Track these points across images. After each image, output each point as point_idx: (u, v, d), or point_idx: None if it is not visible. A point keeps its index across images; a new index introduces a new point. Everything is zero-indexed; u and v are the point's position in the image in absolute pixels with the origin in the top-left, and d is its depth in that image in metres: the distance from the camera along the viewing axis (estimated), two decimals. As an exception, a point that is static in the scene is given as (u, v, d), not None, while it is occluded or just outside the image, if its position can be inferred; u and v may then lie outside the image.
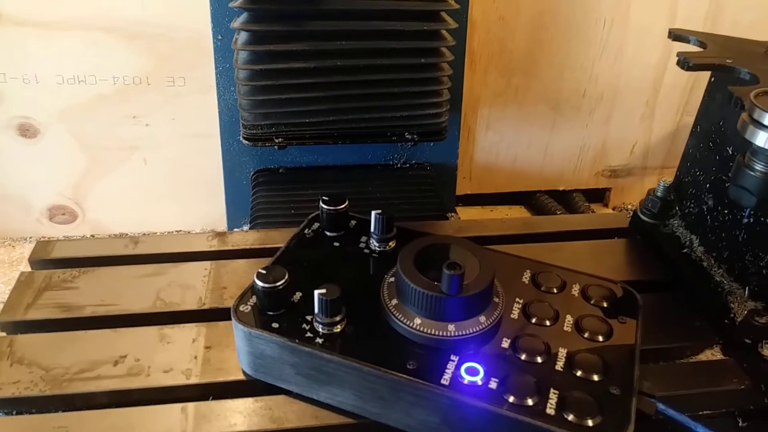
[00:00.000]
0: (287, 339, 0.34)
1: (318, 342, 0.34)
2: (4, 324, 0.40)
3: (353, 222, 0.44)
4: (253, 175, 0.67)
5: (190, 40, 0.61)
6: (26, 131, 0.63)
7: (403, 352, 0.34)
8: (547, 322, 0.36)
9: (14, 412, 0.35)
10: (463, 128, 0.72)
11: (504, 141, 0.75)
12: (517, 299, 0.38)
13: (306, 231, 0.43)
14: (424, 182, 0.69)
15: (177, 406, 0.35)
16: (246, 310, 0.35)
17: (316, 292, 0.34)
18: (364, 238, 0.42)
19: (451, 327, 0.34)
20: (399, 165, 0.70)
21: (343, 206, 0.43)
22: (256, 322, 0.35)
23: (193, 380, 0.37)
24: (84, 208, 0.68)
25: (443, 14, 0.57)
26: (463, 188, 0.78)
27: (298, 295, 0.37)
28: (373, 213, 0.41)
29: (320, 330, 0.34)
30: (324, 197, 0.43)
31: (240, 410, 0.35)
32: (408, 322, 0.34)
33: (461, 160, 0.71)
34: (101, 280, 0.43)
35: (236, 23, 0.53)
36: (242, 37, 0.55)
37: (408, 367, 0.33)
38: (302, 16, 0.54)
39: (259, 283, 0.35)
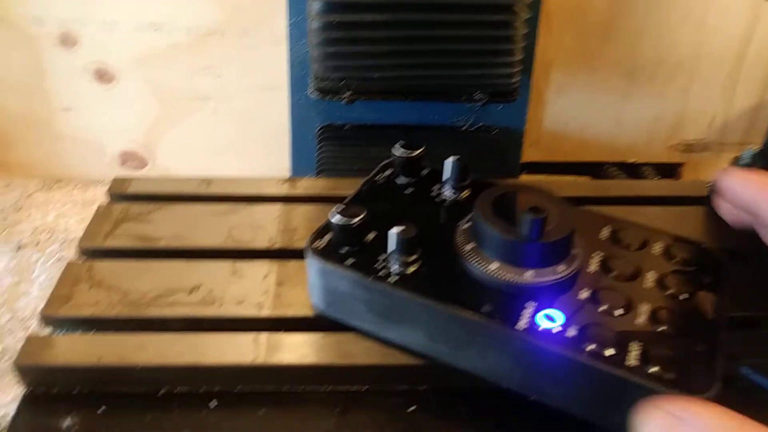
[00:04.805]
0: (362, 275, 0.34)
1: (393, 280, 0.33)
2: (84, 250, 0.41)
3: (425, 170, 0.43)
4: (318, 130, 0.67)
5: (265, -9, 0.61)
6: (102, 76, 0.64)
7: (479, 295, 0.33)
8: (628, 277, 0.35)
9: (93, 332, 0.37)
10: (533, 92, 0.70)
11: (575, 108, 0.73)
12: (596, 253, 0.36)
13: (378, 177, 0.43)
14: (490, 146, 0.68)
15: (249, 336, 0.35)
16: (321, 246, 0.35)
17: (393, 230, 0.34)
18: (436, 187, 0.42)
19: (528, 273, 0.33)
20: (465, 127, 0.69)
21: (418, 152, 0.42)
22: (330, 257, 0.35)
23: (265, 313, 0.37)
24: (154, 155, 0.70)
25: (522, -31, 0.55)
26: (528, 155, 0.76)
27: (371, 235, 0.36)
28: (449, 159, 0.41)
29: (395, 269, 0.34)
30: (399, 142, 0.43)
31: (309, 344, 0.35)
32: (484, 267, 0.34)
33: (529, 125, 0.69)
34: (175, 215, 0.44)
35: (313, -28, 0.53)
36: (318, -14, 0.54)
37: (484, 310, 0.32)
38: (379, -34, 0.53)
39: (337, 219, 0.35)
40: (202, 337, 0.35)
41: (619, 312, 0.33)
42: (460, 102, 0.64)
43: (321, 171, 0.64)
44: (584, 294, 0.34)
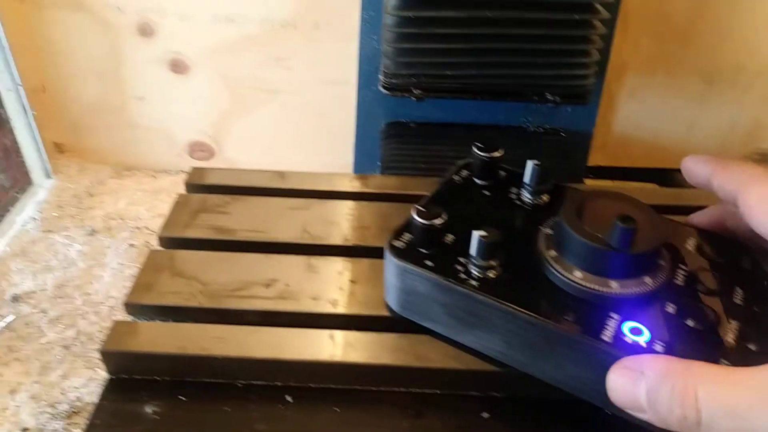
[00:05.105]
0: (442, 277, 0.33)
1: (473, 284, 0.33)
2: (166, 239, 0.42)
3: (503, 172, 0.43)
4: (384, 126, 0.67)
5: (339, -15, 0.62)
6: (177, 67, 0.65)
7: (561, 304, 0.32)
8: (716, 292, 0.34)
9: (172, 321, 0.37)
10: (604, 94, 0.69)
11: (647, 112, 0.71)
12: (683, 265, 0.35)
13: (456, 176, 0.43)
14: (557, 148, 0.67)
15: (324, 332, 0.36)
16: (400, 246, 0.35)
17: (476, 233, 0.33)
18: (514, 190, 0.41)
19: (614, 284, 0.32)
20: (532, 128, 0.67)
21: (498, 154, 0.42)
22: (410, 258, 0.35)
23: (339, 310, 0.37)
24: (221, 146, 0.71)
25: (603, -32, 0.54)
26: (595, 159, 0.74)
27: (450, 236, 0.36)
28: (529, 162, 0.40)
29: (475, 273, 0.34)
30: (478, 143, 0.42)
31: (384, 344, 0.35)
32: (568, 275, 0.33)
33: (597, 128, 0.68)
34: (251, 208, 0.45)
35: (390, -32, 0.53)
36: (394, -18, 0.54)
37: (567, 319, 0.31)
38: (458, -38, 0.52)
39: (418, 219, 0.34)
40: (279, 332, 0.36)
41: (706, 328, 0.32)
42: (531, 102, 0.62)
43: (386, 168, 0.64)
44: (671, 308, 0.33)
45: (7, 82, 0.63)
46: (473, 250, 0.34)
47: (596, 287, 0.32)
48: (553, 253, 0.34)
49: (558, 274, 0.33)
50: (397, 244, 0.35)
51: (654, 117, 0.71)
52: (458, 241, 0.36)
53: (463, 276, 0.34)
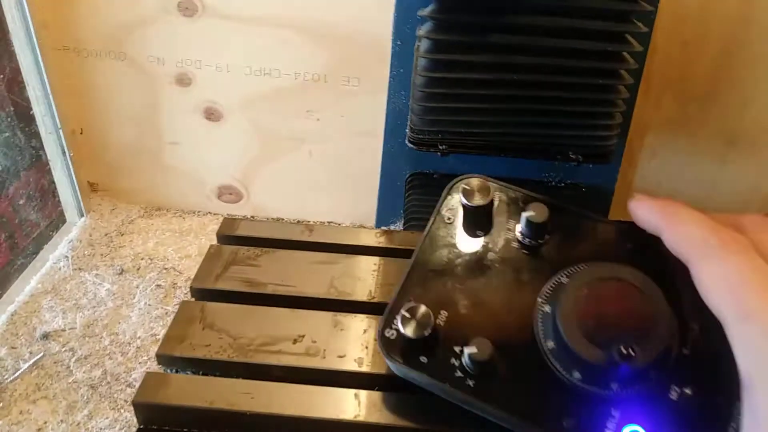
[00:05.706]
0: (437, 381, 0.33)
1: (469, 386, 0.33)
2: (197, 290, 0.43)
3: (497, 201, 0.42)
4: (408, 177, 0.68)
5: (370, 44, 0.64)
6: (211, 115, 0.68)
7: (560, 403, 0.32)
8: (722, 362, 0.31)
9: (201, 373, 0.38)
10: (626, 153, 0.70)
11: (668, 171, 0.72)
12: (691, 326, 0.34)
13: (446, 214, 0.42)
14: (578, 203, 0.67)
15: (350, 391, 0.36)
16: (391, 337, 0.35)
17: (467, 350, 0.33)
18: (511, 224, 0.40)
19: (614, 386, 0.32)
20: (554, 183, 0.68)
21: (486, 202, 0.41)
22: (402, 354, 0.34)
23: (364, 369, 0.38)
24: (249, 191, 0.73)
25: (628, 36, 0.55)
26: (616, 214, 0.75)
27: (443, 314, 0.35)
28: (523, 215, 0.39)
29: (471, 371, 0.33)
30: (465, 186, 0.42)
31: (408, 405, 0.36)
32: (566, 373, 0.33)
33: (619, 185, 0.69)
34: (280, 261, 0.46)
35: (421, 31, 0.55)
36: (424, 44, 0.56)
37: (564, 425, 0.31)
38: (487, 28, 0.54)
39: (406, 328, 0.34)
40: (305, 389, 0.36)
41: (710, 415, 0.31)
42: (554, 161, 0.64)
43: (411, 218, 0.65)
44: (674, 393, 0.32)
45: (49, 126, 0.66)
46: (466, 360, 0.33)
47: (596, 389, 0.32)
48: (551, 344, 0.33)
49: (557, 371, 0.33)
50: (388, 334, 0.35)
51: (675, 177, 0.72)
52: (451, 322, 0.35)
53: (459, 375, 0.33)
